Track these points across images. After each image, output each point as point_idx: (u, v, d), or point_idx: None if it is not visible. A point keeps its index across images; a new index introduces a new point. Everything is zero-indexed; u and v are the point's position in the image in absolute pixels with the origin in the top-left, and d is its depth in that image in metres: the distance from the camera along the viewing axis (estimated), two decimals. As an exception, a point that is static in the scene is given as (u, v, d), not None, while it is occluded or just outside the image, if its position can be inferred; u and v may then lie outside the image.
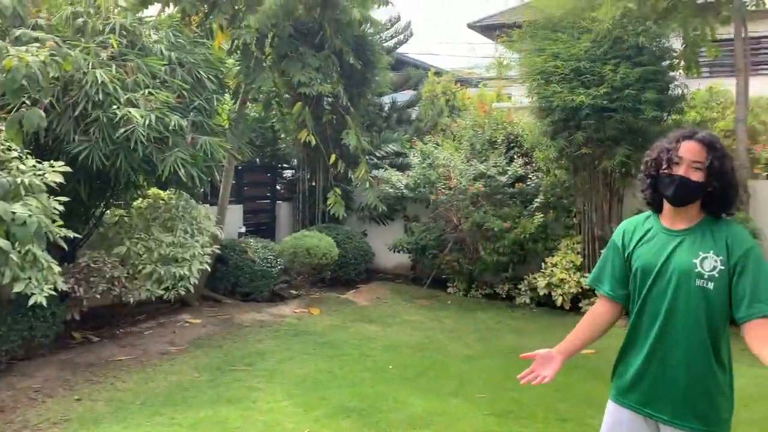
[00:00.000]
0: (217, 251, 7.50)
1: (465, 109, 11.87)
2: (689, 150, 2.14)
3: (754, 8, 7.89)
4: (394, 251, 9.61)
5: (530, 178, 8.59)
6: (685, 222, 2.21)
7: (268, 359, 5.86)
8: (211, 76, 6.61)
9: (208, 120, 6.53)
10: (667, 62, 8.07)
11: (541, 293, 8.07)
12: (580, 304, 7.90)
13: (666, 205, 2.24)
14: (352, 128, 8.49)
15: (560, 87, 7.48)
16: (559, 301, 7.91)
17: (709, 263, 2.11)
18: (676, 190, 2.14)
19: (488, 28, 17.48)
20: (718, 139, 2.19)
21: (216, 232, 7.36)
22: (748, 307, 2.06)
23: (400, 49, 14.06)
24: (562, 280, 7.90)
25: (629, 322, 2.30)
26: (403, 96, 13.14)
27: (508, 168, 8.52)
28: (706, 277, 2.11)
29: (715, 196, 2.15)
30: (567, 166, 8.24)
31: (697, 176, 2.12)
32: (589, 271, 7.82)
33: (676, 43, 8.39)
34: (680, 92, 8.08)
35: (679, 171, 2.13)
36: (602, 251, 7.78)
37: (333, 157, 8.73)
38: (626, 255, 2.30)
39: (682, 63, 8.36)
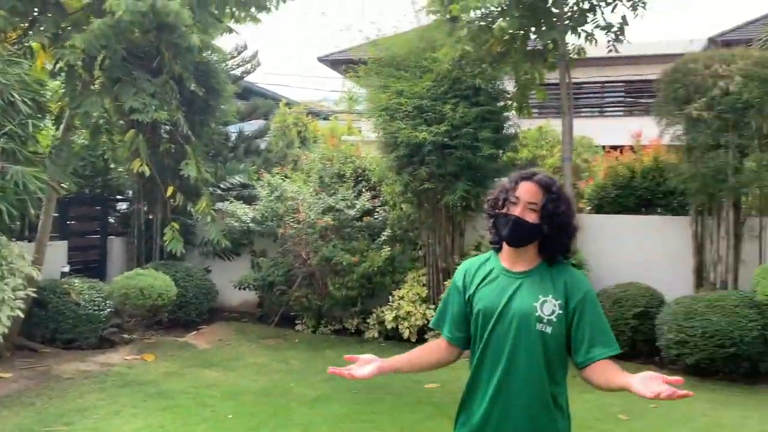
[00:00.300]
0: (33, 294, 6.66)
1: (316, 141, 11.80)
2: (526, 191, 2.13)
3: (576, 56, 8.61)
4: (240, 288, 9.17)
5: (378, 212, 8.63)
6: (524, 264, 2.18)
7: (90, 416, 5.23)
8: (26, 99, 5.93)
9: (21, 147, 5.83)
10: (502, 103, 8.55)
11: (389, 327, 8.07)
12: (426, 336, 7.99)
13: (505, 246, 2.21)
14: (192, 158, 8.02)
15: (404, 123, 7.63)
16: (406, 334, 7.95)
17: (549, 307, 2.10)
18: (511, 230, 2.13)
19: (337, 63, 17.71)
20: (556, 182, 2.20)
21: (32, 272, 6.53)
22: (587, 352, 2.09)
23: (249, 78, 13.76)
24: (408, 312, 7.95)
25: (471, 366, 2.21)
26: (252, 126, 12.82)
27: (357, 201, 8.51)
28: (545, 321, 2.09)
29: (550, 237, 2.14)
30: (412, 200, 8.39)
31: (532, 217, 2.11)
32: (434, 303, 8.07)
33: (509, 86, 8.94)
34: (514, 131, 8.58)
35: (516, 211, 2.12)
36: (446, 283, 7.87)
37: (171, 189, 8.18)
38: (467, 296, 2.24)
39: (515, 104, 8.92)
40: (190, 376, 6.49)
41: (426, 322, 7.93)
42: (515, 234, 2.13)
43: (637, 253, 8.05)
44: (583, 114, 17.20)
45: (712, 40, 16.71)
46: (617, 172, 9.01)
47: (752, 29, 16.22)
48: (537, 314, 2.09)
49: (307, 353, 7.63)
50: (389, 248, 8.22)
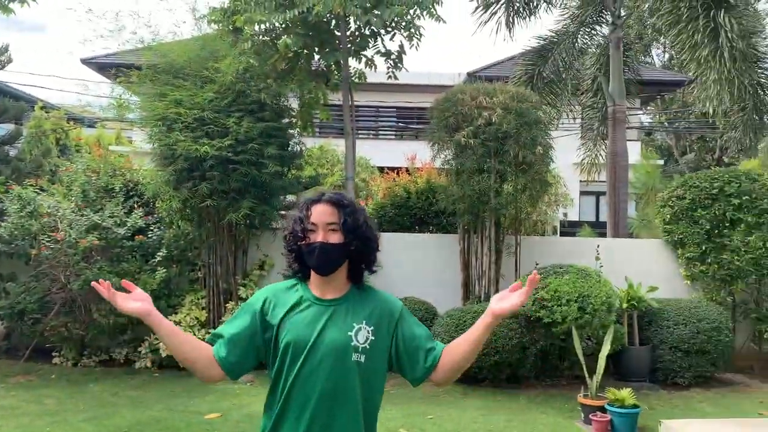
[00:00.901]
0: None
1: (79, 150, 10.60)
2: (321, 213, 2.03)
3: (357, 80, 8.90)
4: (-21, 319, 7.79)
5: (152, 230, 7.92)
6: (335, 291, 2.07)
7: None
8: None
9: None
10: (287, 120, 8.49)
11: (164, 355, 7.44)
12: (207, 362, 7.55)
13: (313, 275, 2.08)
14: None
15: (183, 135, 7.17)
16: (184, 362, 7.40)
17: (363, 335, 2.00)
18: (320, 258, 2.00)
19: (106, 66, 16.26)
20: (345, 196, 2.13)
21: None
22: (426, 356, 2.04)
23: (-4, 76, 11.97)
24: (187, 338, 7.42)
25: (276, 406, 2.00)
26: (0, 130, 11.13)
27: (128, 219, 7.73)
28: (360, 350, 1.99)
29: (358, 252, 2.06)
30: (191, 218, 7.90)
31: (336, 238, 2.01)
32: (215, 327, 7.65)
33: (293, 103, 8.93)
34: (299, 149, 8.56)
35: (318, 237, 2.00)
36: (228, 306, 7.43)
37: None
38: (267, 325, 2.03)
39: (299, 122, 8.93)
40: None
41: (206, 346, 7.48)
42: (325, 259, 2.01)
43: (413, 270, 8.48)
44: (360, 136, 17.89)
45: (471, 75, 18.64)
46: (395, 193, 9.45)
47: (501, 67, 18.51)
48: (353, 344, 1.98)
49: (67, 390, 6.72)
50: (165, 270, 7.60)
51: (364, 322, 2.02)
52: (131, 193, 8.34)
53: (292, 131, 8.55)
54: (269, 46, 8.29)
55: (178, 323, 7.49)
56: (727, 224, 7.98)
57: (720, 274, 7.96)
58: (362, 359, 1.98)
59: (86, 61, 17.26)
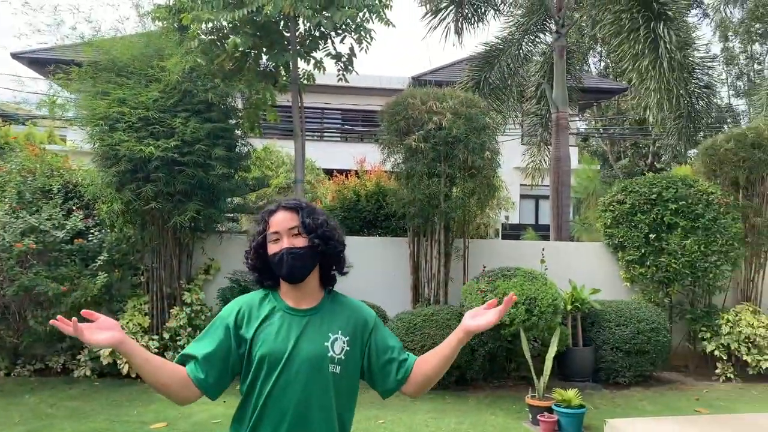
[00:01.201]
0: None
1: (11, 149, 10.09)
2: (281, 221, 1.99)
3: (306, 82, 8.82)
4: None
5: (92, 233, 7.62)
6: (308, 300, 2.02)
7: None
8: None
9: None
10: (234, 121, 8.33)
11: (105, 362, 7.19)
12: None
13: (284, 285, 2.02)
14: None
15: (127, 135, 6.92)
16: (125, 370, 7.16)
17: (339, 345, 1.96)
18: (289, 264, 1.94)
19: (39, 62, 15.57)
20: (301, 199, 2.10)
21: None
22: (398, 370, 2.02)
23: None
24: (129, 345, 7.17)
25: (249, 420, 1.92)
26: None
27: (66, 222, 7.41)
28: (336, 360, 1.95)
29: (325, 255, 2.02)
30: (135, 221, 7.64)
31: (300, 242, 1.97)
32: (158, 333, 7.43)
33: (240, 104, 8.77)
34: (247, 150, 8.41)
35: (283, 245, 1.96)
36: (172, 311, 7.21)
37: None
38: (241, 339, 1.95)
39: (246, 123, 8.78)
40: None
41: (149, 353, 7.26)
42: (295, 265, 1.95)
43: (363, 273, 8.40)
44: (307, 137, 17.76)
45: (415, 79, 18.83)
46: (344, 196, 9.41)
47: (449, 71, 18.79)
48: (329, 354, 1.94)
49: (0, 401, 6.37)
50: (106, 274, 7.31)
51: (339, 332, 1.99)
52: (70, 195, 7.99)
53: (238, 132, 8.39)
54: (216, 45, 8.12)
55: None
56: (665, 228, 8.31)
57: (658, 277, 8.28)
58: (338, 370, 1.95)
59: (17, 56, 16.49)
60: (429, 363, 2.01)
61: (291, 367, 1.90)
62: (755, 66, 29.04)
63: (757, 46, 28.85)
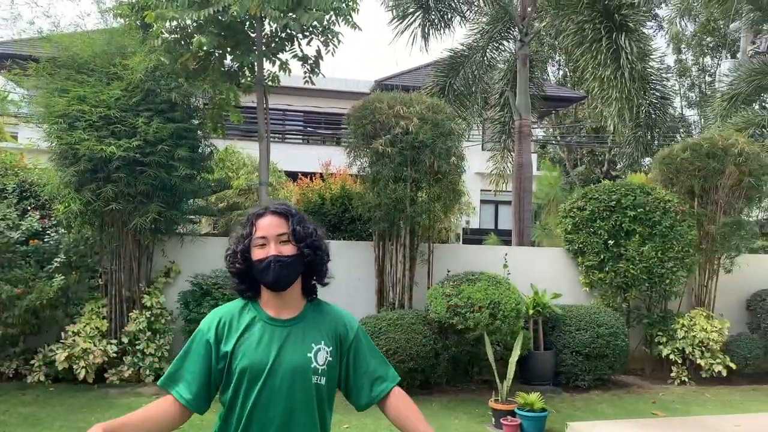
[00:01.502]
0: None
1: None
2: (269, 225, 1.92)
3: (270, 83, 8.74)
4: None
5: (49, 234, 7.38)
6: (291, 310, 1.96)
7: None
8: None
9: None
10: (197, 121, 8.20)
11: (61, 367, 6.96)
12: (106, 375, 7.19)
13: (266, 293, 1.96)
14: None
15: (87, 134, 6.75)
16: (82, 375, 6.96)
17: (322, 356, 1.92)
18: (276, 272, 1.88)
19: (-7, 55, 15.03)
20: (290, 205, 2.05)
21: None
22: (371, 390, 2.00)
23: None
24: (85, 350, 6.97)
25: None
26: None
27: (21, 222, 7.17)
28: (320, 371, 1.91)
29: (310, 264, 1.97)
30: (93, 222, 7.43)
31: (288, 249, 1.91)
32: (117, 337, 7.24)
33: (203, 104, 8.64)
34: (210, 151, 8.29)
35: (270, 251, 1.89)
36: (132, 314, 7.04)
37: None
38: (223, 352, 1.89)
39: (209, 123, 8.64)
40: None
41: (107, 359, 7.09)
42: (282, 273, 1.89)
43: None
44: (271, 139, 17.60)
45: (378, 83, 18.89)
46: (309, 199, 9.36)
47: (415, 75, 18.93)
48: (313, 366, 1.90)
49: (-53, 409, 6.12)
50: (63, 276, 7.09)
51: (322, 342, 1.94)
52: (26, 194, 7.74)
53: (201, 133, 8.26)
54: (180, 44, 7.98)
55: (77, 333, 7.04)
56: (623, 235, 8.52)
57: (616, 282, 8.47)
58: (322, 381, 1.92)
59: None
60: (395, 412, 1.99)
61: (274, 380, 1.86)
62: (706, 78, 30.11)
63: (708, 59, 29.93)
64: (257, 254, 1.91)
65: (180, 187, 7.29)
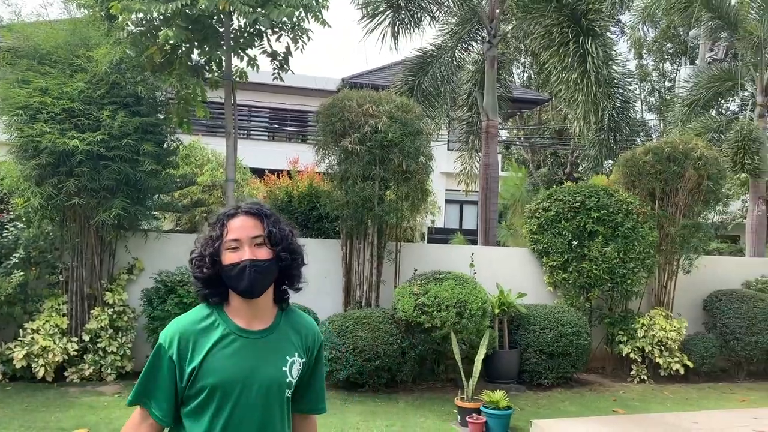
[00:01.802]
0: None
1: None
2: (242, 227, 1.78)
3: (238, 79, 8.65)
4: None
5: (7, 230, 7.15)
6: (263, 320, 1.84)
7: None
8: None
9: None
10: (164, 116, 8.06)
11: (19, 366, 6.77)
12: (66, 374, 7.02)
13: (236, 300, 1.82)
14: None
15: (49, 127, 6.57)
16: (41, 373, 6.78)
17: (296, 368, 1.85)
18: (251, 279, 1.75)
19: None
20: (264, 205, 1.89)
21: None
22: (315, 403, 1.98)
23: None
24: (45, 348, 6.79)
25: None
26: None
27: (-23, 216, 6.97)
28: (292, 385, 1.84)
29: (285, 268, 1.84)
30: (54, 217, 7.25)
31: (264, 253, 1.77)
32: (77, 335, 7.08)
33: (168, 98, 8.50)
34: (176, 146, 8.16)
35: (244, 255, 1.76)
36: (93, 312, 6.89)
37: None
38: (187, 370, 1.75)
39: (175, 118, 8.51)
40: None
41: (67, 357, 6.92)
42: (257, 279, 1.76)
43: (294, 275, 8.35)
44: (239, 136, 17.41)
45: (345, 81, 18.85)
46: (276, 196, 9.28)
47: (382, 73, 18.94)
48: (287, 380, 1.82)
49: None
50: (21, 272, 6.89)
51: (296, 354, 1.86)
52: (-18, 188, 7.50)
53: (166, 127, 8.12)
54: (147, 36, 7.83)
55: (36, 331, 6.85)
56: (587, 236, 8.68)
57: (579, 282, 8.63)
58: (290, 393, 1.86)
59: None
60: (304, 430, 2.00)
61: (248, 396, 1.76)
62: (666, 83, 30.88)
63: (668, 65, 30.71)
64: (229, 258, 1.77)
65: (145, 183, 7.16)
